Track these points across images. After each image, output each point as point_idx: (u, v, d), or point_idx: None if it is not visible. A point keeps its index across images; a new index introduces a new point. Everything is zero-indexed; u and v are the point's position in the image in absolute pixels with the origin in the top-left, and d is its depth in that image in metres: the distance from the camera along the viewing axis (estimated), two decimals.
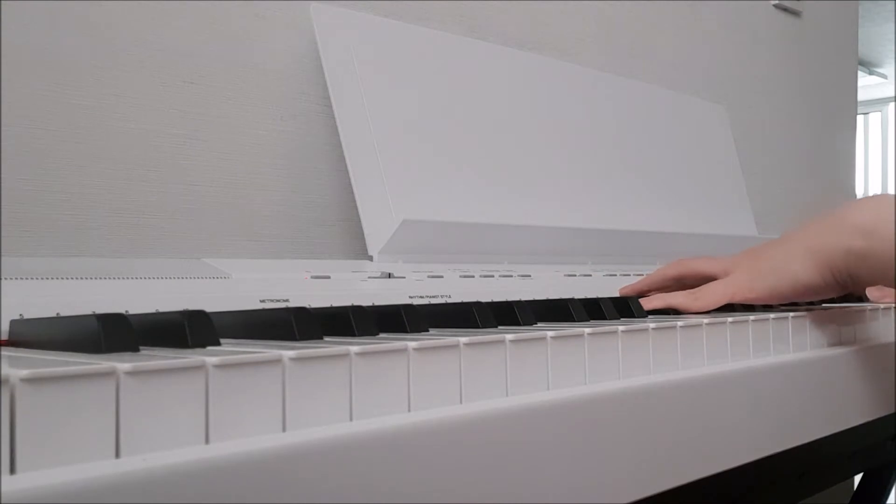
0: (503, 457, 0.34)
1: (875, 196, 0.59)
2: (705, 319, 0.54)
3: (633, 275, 0.86)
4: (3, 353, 0.36)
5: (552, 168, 0.97)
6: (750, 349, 0.54)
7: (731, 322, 0.53)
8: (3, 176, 0.66)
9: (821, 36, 1.70)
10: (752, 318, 0.56)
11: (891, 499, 1.20)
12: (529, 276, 0.76)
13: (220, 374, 0.28)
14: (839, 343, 0.62)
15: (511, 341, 0.38)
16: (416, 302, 0.61)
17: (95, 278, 0.52)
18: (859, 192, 5.28)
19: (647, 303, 0.61)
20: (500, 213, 0.88)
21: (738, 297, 0.60)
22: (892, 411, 0.64)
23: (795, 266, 0.59)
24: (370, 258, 0.76)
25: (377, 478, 0.29)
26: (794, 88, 1.63)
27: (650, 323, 0.48)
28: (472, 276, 0.72)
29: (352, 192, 0.77)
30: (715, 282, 0.62)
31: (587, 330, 0.43)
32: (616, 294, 0.69)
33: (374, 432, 0.30)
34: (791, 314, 0.59)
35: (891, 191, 5.71)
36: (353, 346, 0.32)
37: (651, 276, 0.71)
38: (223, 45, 0.81)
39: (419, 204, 0.81)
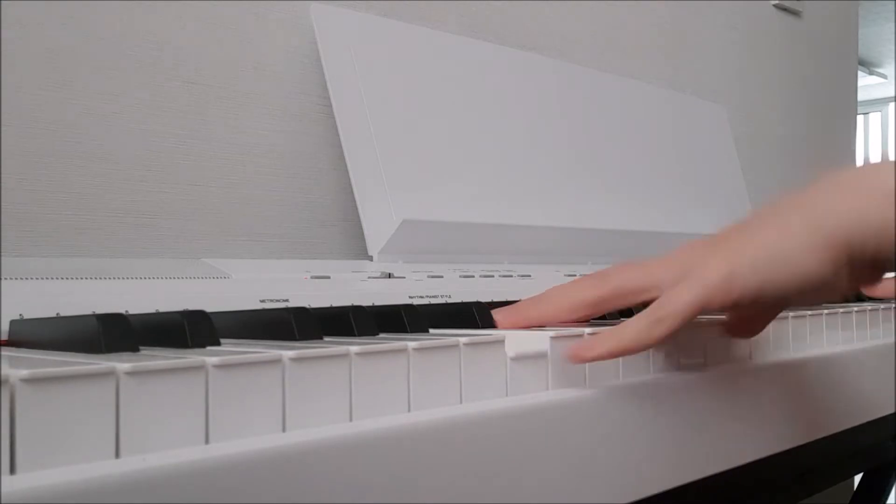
0: (503, 457, 0.34)
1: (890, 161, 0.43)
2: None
3: None
4: (3, 353, 0.36)
5: (552, 168, 0.97)
6: (750, 350, 0.54)
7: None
8: (3, 176, 0.66)
9: (821, 36, 1.70)
10: None
11: (891, 499, 1.19)
12: (529, 276, 0.76)
13: (220, 374, 0.28)
14: (840, 342, 0.62)
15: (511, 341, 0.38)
16: (416, 302, 0.61)
17: (95, 278, 0.52)
18: None
19: (588, 350, 0.41)
20: (499, 213, 0.88)
21: (714, 304, 0.43)
22: (892, 411, 0.64)
23: (795, 251, 0.42)
24: (370, 258, 0.76)
25: (377, 478, 0.29)
26: (794, 88, 1.63)
27: None
28: (472, 276, 0.71)
29: (352, 192, 0.77)
30: (676, 290, 0.43)
31: (587, 330, 0.43)
32: None
33: (374, 432, 0.30)
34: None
35: None
36: (353, 346, 0.32)
37: (581, 297, 0.48)
38: (223, 45, 0.81)
39: (419, 204, 0.80)
